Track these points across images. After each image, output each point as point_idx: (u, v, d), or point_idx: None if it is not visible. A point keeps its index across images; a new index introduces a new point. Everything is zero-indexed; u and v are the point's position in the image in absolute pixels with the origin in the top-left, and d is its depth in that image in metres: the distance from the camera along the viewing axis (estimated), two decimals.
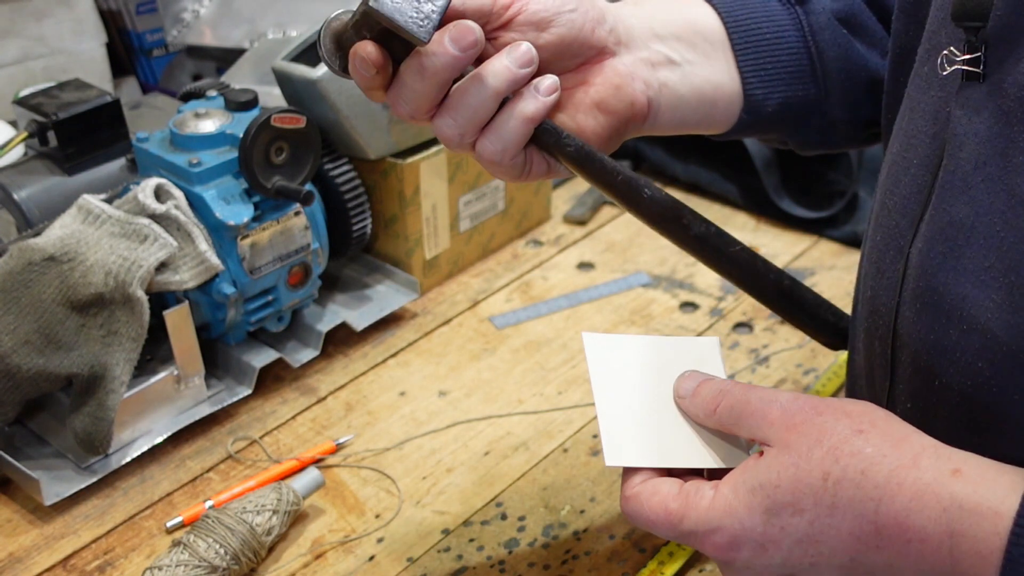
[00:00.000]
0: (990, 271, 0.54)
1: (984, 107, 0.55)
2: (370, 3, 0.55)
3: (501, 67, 0.59)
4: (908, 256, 0.60)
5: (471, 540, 0.82)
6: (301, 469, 0.87)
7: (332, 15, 0.61)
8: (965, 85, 0.56)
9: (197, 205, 0.89)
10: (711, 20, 0.74)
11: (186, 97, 0.99)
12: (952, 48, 0.57)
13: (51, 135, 0.95)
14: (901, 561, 0.50)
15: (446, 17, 0.57)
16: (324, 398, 0.97)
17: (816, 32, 0.76)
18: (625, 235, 1.20)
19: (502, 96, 0.59)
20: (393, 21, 0.55)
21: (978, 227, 0.55)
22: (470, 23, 0.58)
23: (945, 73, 0.58)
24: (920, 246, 0.59)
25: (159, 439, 0.89)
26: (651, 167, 1.30)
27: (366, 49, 0.57)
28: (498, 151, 0.59)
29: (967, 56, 0.55)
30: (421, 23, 0.55)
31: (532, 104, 0.59)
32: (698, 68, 0.71)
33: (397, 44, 0.58)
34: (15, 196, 0.92)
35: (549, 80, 0.61)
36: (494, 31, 0.61)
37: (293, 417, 0.95)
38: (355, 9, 0.59)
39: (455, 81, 0.60)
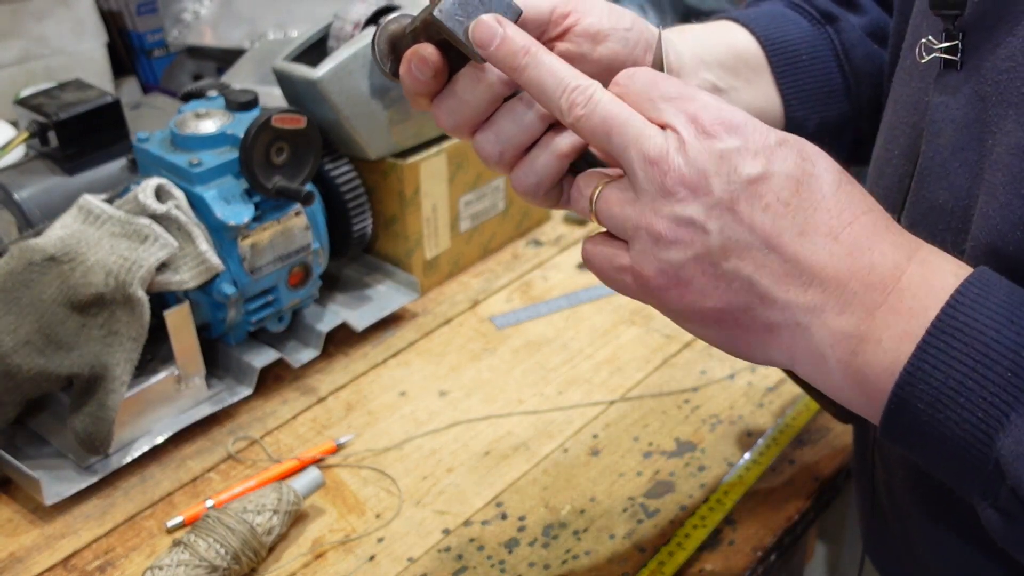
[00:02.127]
0: (967, 256, 0.54)
1: (961, 92, 0.56)
2: (434, 13, 0.54)
3: None
4: None
5: (471, 540, 0.82)
6: (301, 469, 0.87)
7: (390, 17, 0.61)
8: (943, 73, 0.57)
9: (197, 205, 0.89)
10: (751, 44, 0.76)
11: (187, 97, 0.99)
12: (930, 37, 0.58)
13: (52, 135, 0.95)
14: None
15: None
16: (324, 398, 0.97)
17: (848, 49, 0.77)
18: None
19: (549, 120, 0.58)
20: (455, 35, 0.55)
21: (956, 210, 0.55)
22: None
23: (924, 62, 0.58)
24: None
25: (160, 439, 0.89)
26: None
27: (427, 50, 0.57)
28: (532, 184, 0.59)
29: (945, 44, 0.56)
30: None
31: (568, 140, 0.58)
32: (742, 94, 0.72)
33: (455, 53, 0.57)
34: (16, 196, 0.92)
35: None
36: (550, 41, 0.61)
37: (293, 417, 0.95)
38: (416, 15, 0.59)
39: (506, 99, 0.59)
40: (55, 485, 0.85)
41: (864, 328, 0.49)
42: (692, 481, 0.86)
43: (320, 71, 0.95)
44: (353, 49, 0.96)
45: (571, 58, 0.61)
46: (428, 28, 0.56)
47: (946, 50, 0.56)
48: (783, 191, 0.50)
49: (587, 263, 0.57)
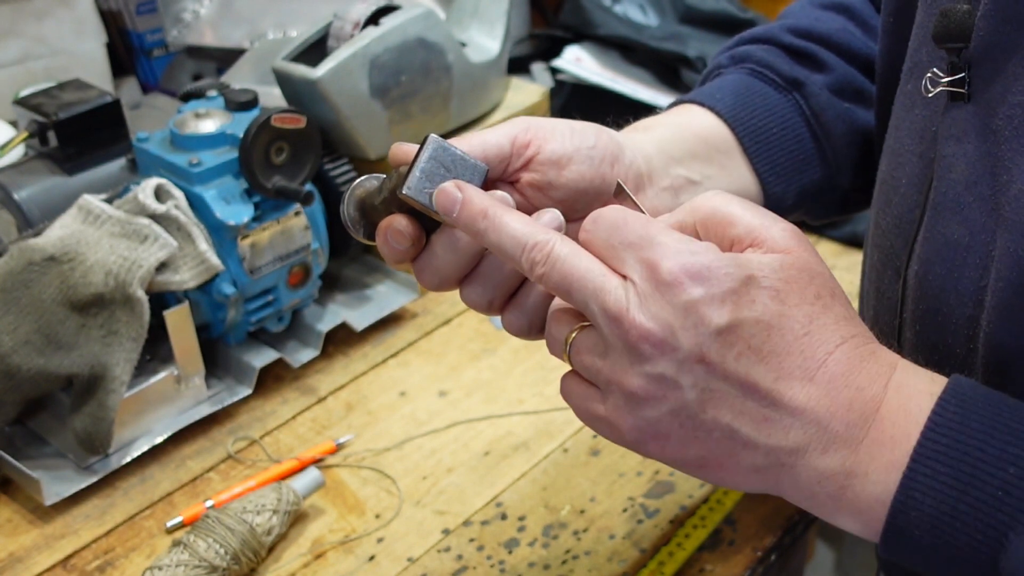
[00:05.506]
0: (987, 290, 0.54)
1: (972, 128, 0.54)
2: (403, 191, 0.54)
3: None
4: (905, 277, 0.60)
5: (471, 540, 0.82)
6: (301, 469, 0.87)
7: (355, 183, 0.60)
8: (951, 106, 0.56)
9: (197, 205, 0.89)
10: (719, 128, 0.74)
11: (186, 97, 0.99)
12: (935, 70, 0.57)
13: (51, 135, 0.95)
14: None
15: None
16: (324, 398, 0.97)
17: (818, 114, 0.75)
18: None
19: None
20: (427, 208, 0.55)
21: (974, 246, 0.55)
22: (502, 193, 0.57)
23: (930, 95, 0.58)
24: (917, 268, 0.59)
25: (159, 439, 0.89)
26: None
27: (400, 223, 0.56)
28: (525, 325, 0.58)
29: (951, 77, 0.55)
30: None
31: None
32: (717, 181, 0.71)
33: (429, 218, 0.57)
34: (15, 196, 0.92)
35: None
36: (515, 172, 0.60)
37: (293, 417, 0.95)
38: (382, 181, 0.59)
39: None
40: (55, 485, 0.85)
41: (850, 464, 0.49)
42: (692, 481, 0.86)
43: (320, 71, 0.95)
44: (353, 49, 0.96)
45: (538, 186, 0.60)
46: (397, 200, 0.56)
47: (952, 82, 0.55)
48: (754, 338, 0.49)
49: (565, 398, 0.56)
